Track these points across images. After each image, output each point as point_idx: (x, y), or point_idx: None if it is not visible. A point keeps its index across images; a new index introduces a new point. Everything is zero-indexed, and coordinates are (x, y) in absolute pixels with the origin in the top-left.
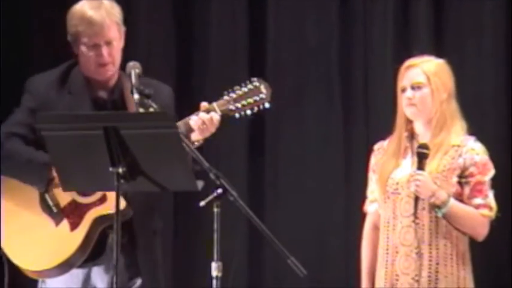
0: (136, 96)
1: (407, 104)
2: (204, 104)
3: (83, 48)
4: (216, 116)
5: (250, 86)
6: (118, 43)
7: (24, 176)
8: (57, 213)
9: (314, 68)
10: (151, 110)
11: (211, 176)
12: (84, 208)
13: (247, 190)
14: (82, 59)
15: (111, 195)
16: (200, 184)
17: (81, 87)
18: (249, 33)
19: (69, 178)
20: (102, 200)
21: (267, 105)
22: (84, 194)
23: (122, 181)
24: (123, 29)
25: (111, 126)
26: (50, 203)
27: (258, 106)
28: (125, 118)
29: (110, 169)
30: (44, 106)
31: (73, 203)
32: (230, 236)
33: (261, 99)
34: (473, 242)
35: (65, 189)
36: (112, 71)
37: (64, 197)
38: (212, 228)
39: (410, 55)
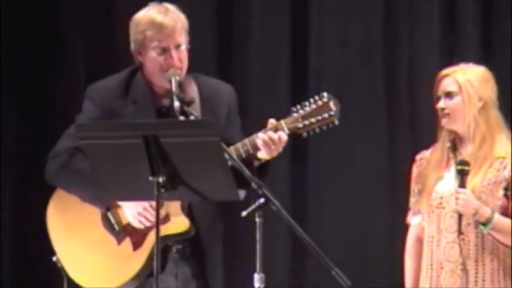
0: (176, 103)
1: (440, 114)
2: (271, 122)
3: (152, 54)
4: (284, 136)
5: (319, 103)
6: (186, 47)
7: (87, 196)
8: (119, 232)
9: (357, 73)
10: (191, 117)
11: (254, 185)
12: (147, 227)
13: (289, 199)
14: (149, 66)
15: (175, 214)
16: (242, 193)
17: (145, 95)
18: (291, 36)
19: (107, 187)
20: (165, 219)
21: (336, 122)
22: None
23: (162, 190)
24: (188, 37)
25: (151, 135)
26: (112, 220)
27: (327, 124)
28: (164, 126)
29: (150, 178)
30: (108, 116)
31: None
32: (272, 247)
33: (330, 116)
34: None
35: (104, 200)
36: (181, 76)
37: (126, 216)
38: (254, 239)
39: (456, 58)
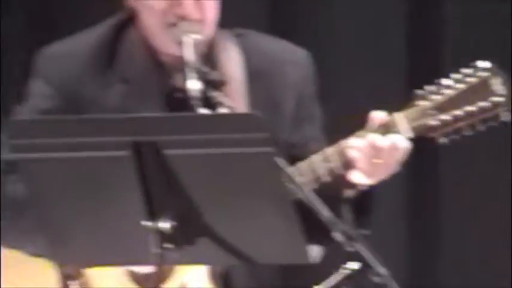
0: (193, 84)
1: None
2: (377, 116)
3: None
4: (402, 142)
5: (470, 80)
6: None
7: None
8: None
9: None
10: (221, 109)
11: (339, 236)
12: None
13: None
14: (146, 16)
15: None
16: (317, 252)
17: (144, 68)
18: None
19: (65, 240)
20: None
21: (506, 116)
22: None
23: (168, 247)
24: None
25: (147, 142)
26: None
27: (485, 120)
28: (171, 126)
29: (142, 223)
30: (74, 107)
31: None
32: None
33: (494, 105)
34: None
35: (56, 259)
36: (202, 35)
37: None
38: None
39: None
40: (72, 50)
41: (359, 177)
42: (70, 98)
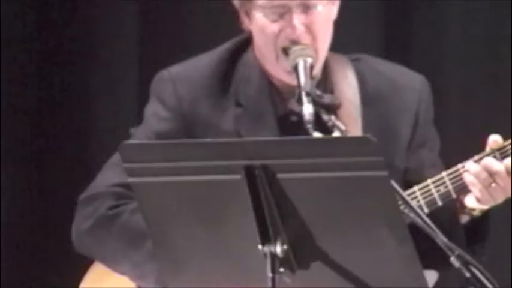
0: (307, 108)
1: None
2: (494, 140)
3: (259, 17)
4: None
5: None
6: (326, 8)
7: (143, 278)
8: None
9: None
10: (335, 133)
11: (454, 261)
12: None
13: None
14: (256, 36)
15: None
16: (432, 277)
17: (258, 92)
18: None
19: (178, 263)
20: None
21: None
22: None
23: (282, 271)
24: None
25: (260, 166)
26: None
27: None
28: (284, 150)
29: (260, 248)
30: (191, 129)
31: None
32: None
33: None
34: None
35: (170, 284)
36: (315, 59)
37: None
38: None
39: None
40: (188, 74)
41: (474, 202)
42: (186, 121)
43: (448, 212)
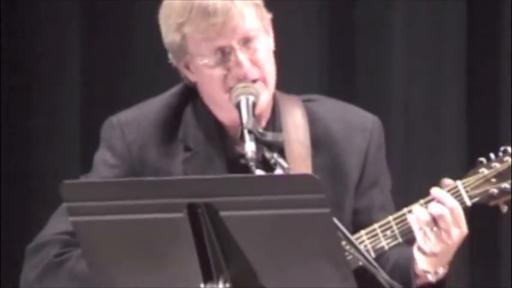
0: (250, 145)
1: None
2: (444, 182)
3: (201, 63)
4: (458, 210)
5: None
6: (265, 40)
7: None
8: None
9: None
10: (277, 170)
11: None
12: None
13: None
14: (203, 84)
15: None
16: None
17: (207, 136)
18: None
19: None
20: None
21: None
22: None
23: None
24: (267, 15)
25: (203, 204)
26: None
27: None
28: (227, 187)
29: (201, 287)
30: (135, 174)
31: None
32: None
33: None
34: None
35: None
36: (257, 96)
37: None
38: None
39: None
40: (138, 119)
41: (419, 251)
42: (134, 167)
43: (402, 277)
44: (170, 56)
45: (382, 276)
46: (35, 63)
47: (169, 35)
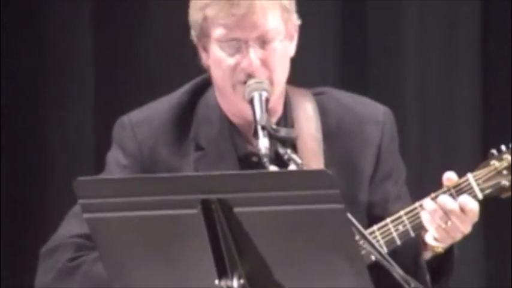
0: (263, 142)
1: None
2: (449, 177)
3: (215, 50)
4: (471, 204)
5: None
6: (284, 44)
7: None
8: None
9: None
10: (291, 166)
11: None
12: None
13: None
14: (213, 71)
15: None
16: None
17: (219, 134)
18: None
19: None
20: None
21: None
22: None
23: None
24: (295, 21)
25: (216, 200)
26: None
27: None
28: (240, 183)
29: (216, 283)
30: (148, 174)
31: None
32: None
33: None
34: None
35: None
36: (270, 92)
37: None
38: None
39: None
40: (149, 119)
41: (432, 240)
42: (146, 167)
43: (411, 249)
44: (192, 33)
45: (397, 271)
46: (47, 61)
47: (193, 13)
